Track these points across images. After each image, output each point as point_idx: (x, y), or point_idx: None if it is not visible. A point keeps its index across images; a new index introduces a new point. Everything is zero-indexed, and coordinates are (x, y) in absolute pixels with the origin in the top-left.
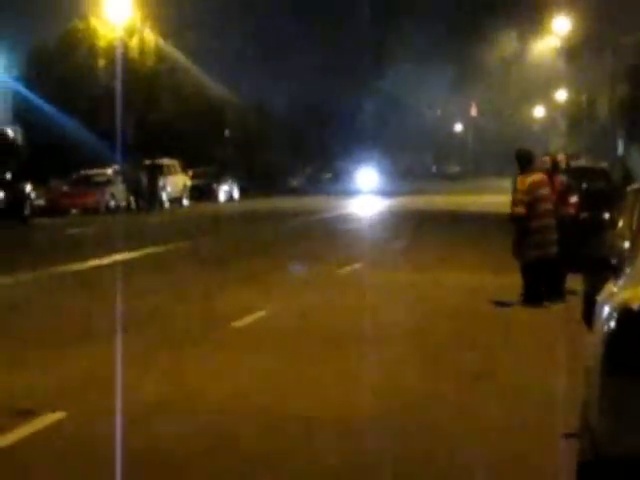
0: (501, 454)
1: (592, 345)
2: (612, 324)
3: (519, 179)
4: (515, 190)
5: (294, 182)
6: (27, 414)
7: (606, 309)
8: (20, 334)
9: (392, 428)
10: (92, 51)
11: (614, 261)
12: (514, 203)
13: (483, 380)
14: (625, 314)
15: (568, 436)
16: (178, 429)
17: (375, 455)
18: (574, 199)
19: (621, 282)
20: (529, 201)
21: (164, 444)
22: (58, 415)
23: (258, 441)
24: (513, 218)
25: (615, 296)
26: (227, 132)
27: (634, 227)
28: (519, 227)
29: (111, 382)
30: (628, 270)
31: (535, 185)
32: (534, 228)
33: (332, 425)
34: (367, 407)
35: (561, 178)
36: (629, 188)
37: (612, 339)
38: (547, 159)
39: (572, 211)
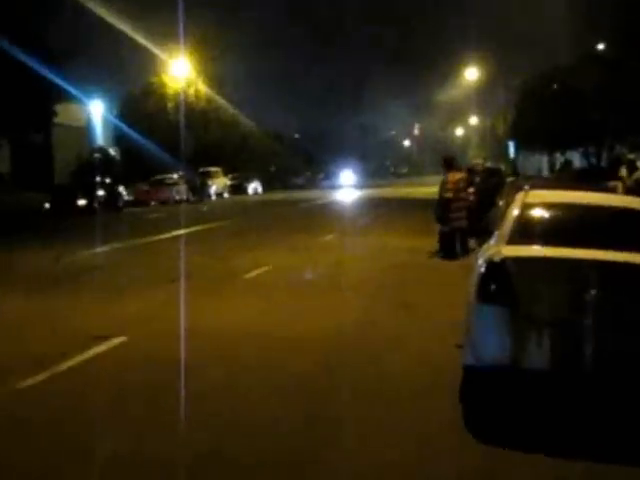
0: (412, 355)
1: (472, 284)
2: (482, 270)
3: (448, 175)
4: (444, 182)
5: (299, 181)
6: (101, 338)
7: (480, 261)
8: (107, 284)
9: (345, 338)
10: (163, 97)
11: (492, 229)
12: (444, 190)
13: (408, 308)
14: (490, 264)
15: (459, 346)
16: (206, 344)
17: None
18: (471, 189)
19: (491, 242)
20: (454, 189)
21: (197, 352)
22: (122, 339)
23: (257, 351)
24: (443, 200)
25: (485, 252)
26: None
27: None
28: (445, 206)
29: (163, 315)
30: (495, 234)
31: (458, 180)
32: (454, 207)
33: (312, 340)
34: (334, 325)
35: (466, 175)
36: (508, 180)
37: (482, 280)
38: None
39: (471, 198)
